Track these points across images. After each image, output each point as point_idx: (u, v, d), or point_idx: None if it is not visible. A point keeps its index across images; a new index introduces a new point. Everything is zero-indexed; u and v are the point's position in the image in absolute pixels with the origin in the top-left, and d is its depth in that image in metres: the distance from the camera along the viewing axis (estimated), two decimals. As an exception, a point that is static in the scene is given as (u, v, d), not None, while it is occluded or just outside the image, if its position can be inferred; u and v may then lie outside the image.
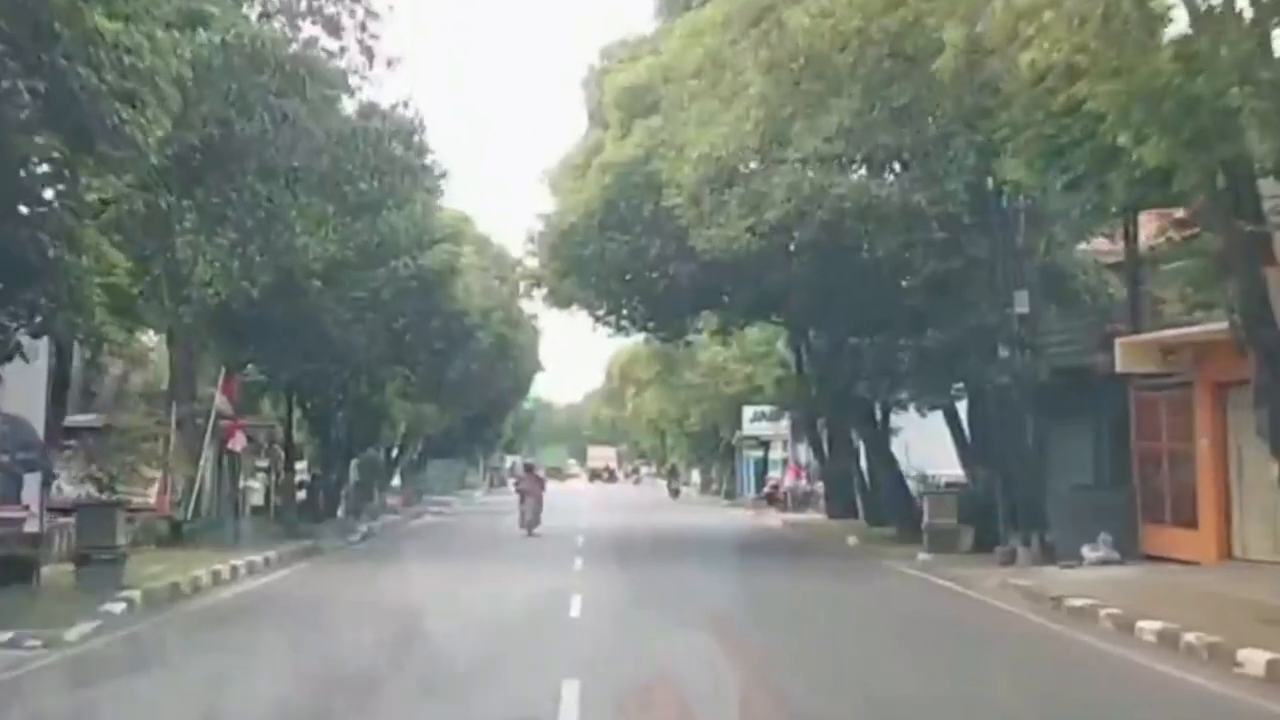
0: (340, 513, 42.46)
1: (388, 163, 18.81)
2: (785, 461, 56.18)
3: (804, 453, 55.29)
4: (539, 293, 35.86)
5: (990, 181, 24.25)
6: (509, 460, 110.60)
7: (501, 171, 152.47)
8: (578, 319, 37.23)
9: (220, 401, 28.51)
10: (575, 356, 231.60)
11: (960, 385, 26.09)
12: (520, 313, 56.45)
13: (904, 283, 24.77)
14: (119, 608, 17.18)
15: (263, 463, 40.65)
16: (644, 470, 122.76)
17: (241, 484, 35.11)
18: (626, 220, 28.91)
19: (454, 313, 34.26)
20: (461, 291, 34.91)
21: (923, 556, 25.21)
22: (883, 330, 25.46)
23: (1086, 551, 23.36)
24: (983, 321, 24.68)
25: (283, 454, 37.36)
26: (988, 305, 24.80)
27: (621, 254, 28.94)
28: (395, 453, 54.21)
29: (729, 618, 16.67)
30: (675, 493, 77.16)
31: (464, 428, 63.94)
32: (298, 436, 44.13)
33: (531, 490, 36.17)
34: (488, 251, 50.66)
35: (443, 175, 19.72)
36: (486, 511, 54.73)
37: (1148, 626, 14.93)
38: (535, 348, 62.72)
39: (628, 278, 31.21)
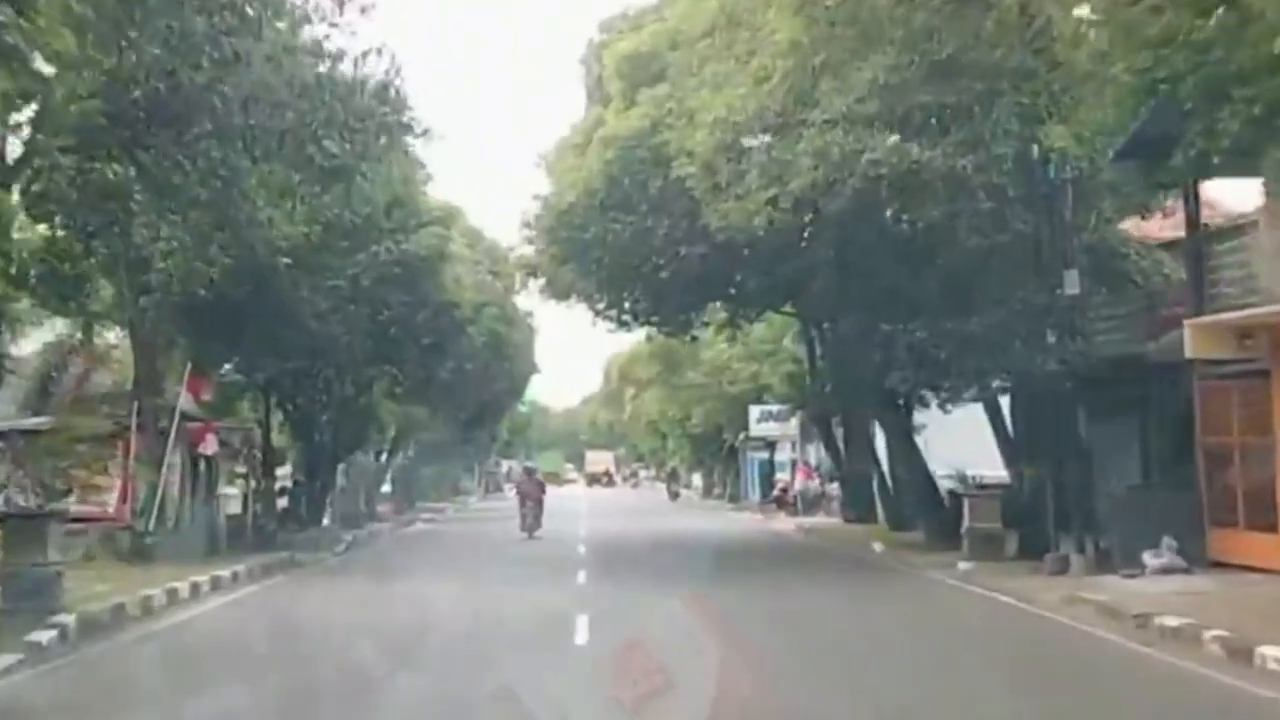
0: (326, 521, 39.91)
1: (359, 119, 16.28)
2: (794, 463, 53.68)
3: (813, 453, 52.91)
4: (535, 283, 33.31)
5: (1035, 149, 21.86)
6: (505, 465, 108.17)
7: (494, 165, 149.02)
8: (576, 314, 34.80)
9: (185, 401, 25.98)
10: (572, 359, 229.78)
11: (1000, 376, 23.48)
12: (515, 310, 53.97)
13: (942, 261, 22.19)
14: (47, 636, 14.65)
15: (242, 469, 38.27)
16: (643, 474, 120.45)
17: (217, 491, 32.56)
18: (631, 199, 26.35)
19: (443, 305, 31.67)
20: (451, 282, 32.29)
21: (963, 565, 22.73)
22: (918, 315, 22.89)
23: (1148, 558, 20.89)
24: (1029, 304, 22.18)
25: (261, 459, 34.77)
26: (1034, 286, 22.31)
27: (625, 237, 26.35)
28: (385, 457, 51.57)
29: (760, 647, 14.24)
30: (675, 496, 75.56)
31: (457, 431, 61.40)
32: (279, 440, 41.69)
33: (532, 494, 36.21)
34: (480, 245, 48.21)
35: (424, 133, 17.21)
36: (481, 518, 52.23)
37: (1270, 653, 12.42)
38: (531, 347, 60.15)
39: (634, 265, 28.66)
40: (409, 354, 33.64)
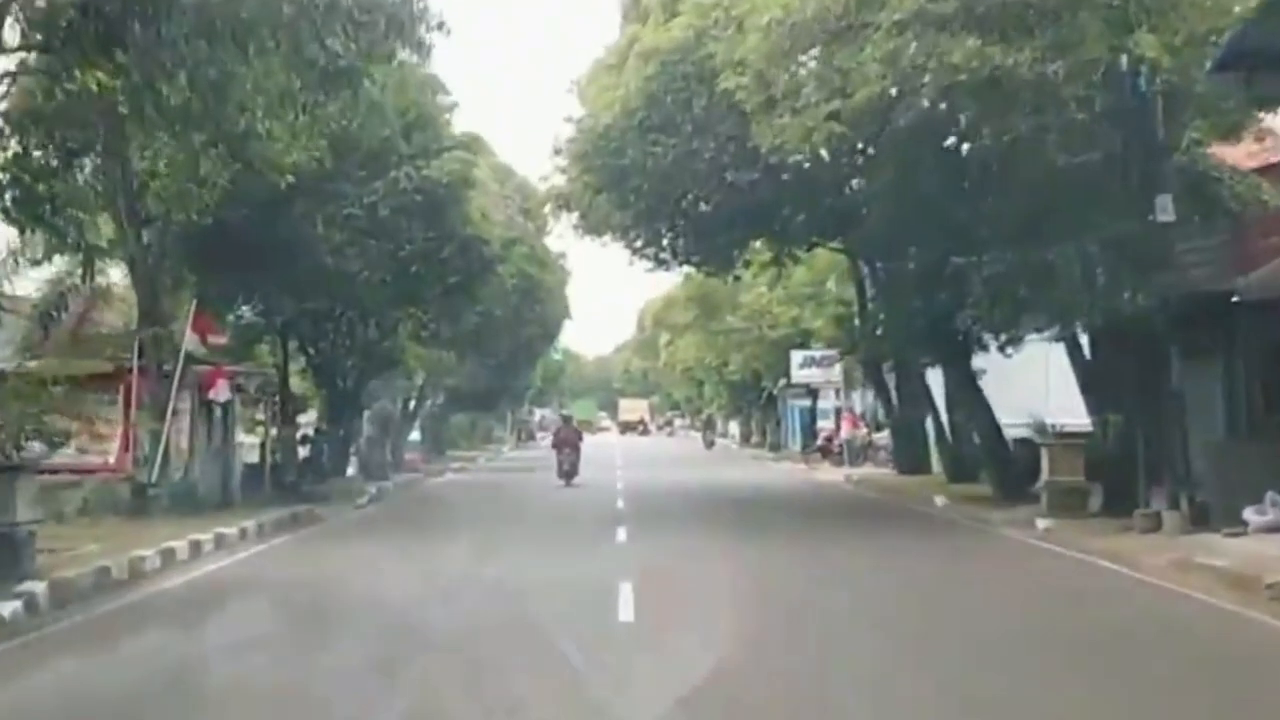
0: (351, 471, 38.06)
1: (365, 9, 14.09)
2: (838, 410, 51.38)
3: (858, 401, 50.75)
4: (568, 218, 31.03)
5: (1124, 60, 19.50)
6: (537, 413, 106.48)
7: (524, 100, 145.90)
8: (610, 254, 33.01)
9: (191, 342, 23.96)
10: (605, 306, 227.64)
11: (1084, 313, 21.15)
12: (547, 251, 51.81)
13: (1021, 185, 19.87)
14: (11, 608, 12.69)
15: (262, 416, 36.47)
16: (678, 422, 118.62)
17: (233, 440, 30.66)
18: (673, 119, 23.96)
19: (470, 240, 29.47)
20: (478, 215, 30.04)
21: (1043, 522, 20.57)
22: (989, 247, 20.60)
23: (1251, 515, 18.70)
24: (1119, 233, 19.86)
25: (279, 405, 32.85)
26: (1123, 213, 19.96)
27: (667, 162, 24.01)
28: (413, 405, 49.56)
29: (837, 621, 12.16)
30: (710, 444, 74.49)
31: (489, 378, 59.29)
32: (301, 387, 39.79)
33: (569, 441, 36.97)
34: (510, 182, 46.02)
35: (441, 27, 14.94)
36: (514, 468, 50.33)
37: None
38: (563, 291, 57.96)
39: (676, 196, 26.40)
40: (433, 294, 31.46)
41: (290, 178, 18.43)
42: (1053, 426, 23.99)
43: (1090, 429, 24.17)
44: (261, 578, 16.74)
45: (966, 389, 27.47)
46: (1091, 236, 19.76)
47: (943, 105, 17.94)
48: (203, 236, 23.87)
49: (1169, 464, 19.89)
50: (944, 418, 32.56)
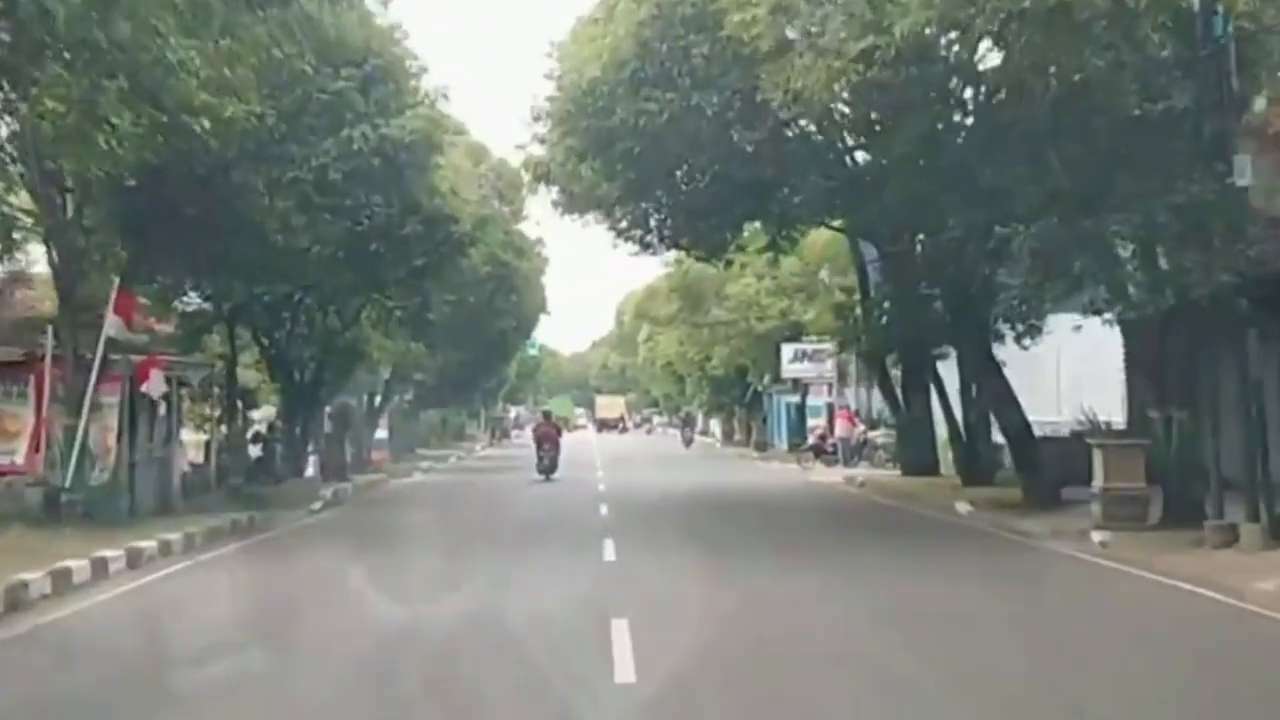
0: (310, 471, 34.98)
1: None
2: (830, 407, 48.54)
3: (851, 397, 47.89)
4: (547, 193, 28.04)
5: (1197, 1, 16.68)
6: (512, 411, 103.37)
7: (500, 84, 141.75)
8: (590, 243, 31.09)
9: (115, 326, 20.85)
10: (581, 302, 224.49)
11: (1150, 291, 18.19)
12: (523, 237, 48.88)
13: (1079, 142, 16.96)
14: None
15: (213, 411, 33.52)
16: (656, 420, 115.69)
17: (174, 439, 27.62)
18: (670, 71, 20.96)
19: (437, 217, 26.43)
20: (447, 189, 26.94)
21: (1099, 535, 17.72)
22: (1041, 215, 17.67)
23: (1345, 529, 16.06)
24: (1190, 198, 16.97)
25: (226, 400, 29.85)
26: (1196, 174, 17.07)
27: (662, 121, 20.96)
28: (378, 400, 46.44)
29: (907, 685, 9.21)
30: (689, 441, 72.04)
31: (461, 373, 56.24)
32: (257, 380, 36.74)
33: (549, 438, 37.35)
34: (484, 162, 43.03)
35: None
36: (487, 468, 47.27)
37: None
38: (540, 282, 54.96)
39: (670, 167, 23.46)
40: (397, 276, 28.42)
41: (207, 123, 15.31)
42: (1106, 423, 21.13)
43: (1124, 428, 21.48)
44: (166, 609, 13.69)
45: (990, 381, 24.57)
46: (1160, 202, 16.83)
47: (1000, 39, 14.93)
48: (130, 205, 20.84)
49: (1246, 467, 17.09)
50: (957, 414, 29.69)
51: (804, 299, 53.00)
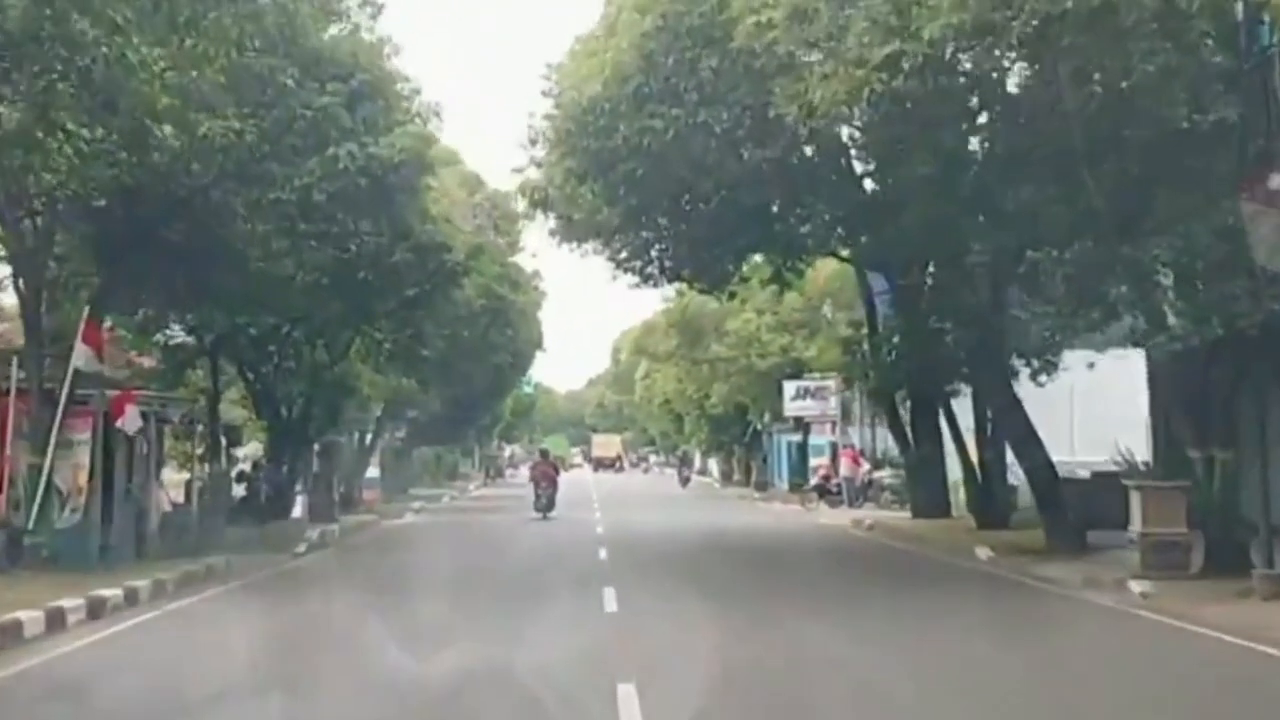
0: (298, 512, 33.62)
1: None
2: (834, 446, 47.24)
3: (855, 436, 46.63)
4: (544, 222, 26.85)
5: (1240, 7, 15.56)
6: (507, 449, 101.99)
7: (495, 114, 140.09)
8: (587, 279, 28.75)
9: (81, 356, 19.58)
10: (577, 340, 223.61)
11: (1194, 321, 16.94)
12: (519, 270, 47.68)
13: (1116, 157, 15.78)
14: None
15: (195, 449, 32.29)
16: (653, 459, 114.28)
17: (154, 478, 26.33)
18: (676, 85, 19.78)
19: (428, 244, 25.20)
20: (437, 211, 25.71)
21: (1139, 585, 16.41)
22: (1072, 241, 16.47)
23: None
24: (1234, 219, 15.78)
25: (209, 438, 28.57)
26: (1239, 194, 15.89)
27: (667, 139, 19.74)
28: (369, 438, 45.09)
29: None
30: (686, 480, 71.06)
31: (455, 411, 54.89)
32: (241, 416, 35.47)
33: (546, 476, 37.57)
34: (479, 193, 41.88)
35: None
36: (481, 508, 45.92)
37: None
38: (536, 315, 53.72)
39: (675, 194, 22.32)
40: (387, 307, 27.17)
41: (169, 129, 14.07)
42: (1145, 463, 19.88)
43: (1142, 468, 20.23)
44: (120, 668, 12.37)
45: (1011, 418, 23.31)
46: (1202, 225, 15.66)
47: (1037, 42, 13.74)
48: (102, 229, 19.68)
49: (1295, 512, 15.88)
50: (970, 453, 28.44)
51: (806, 335, 51.86)
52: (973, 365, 25.17)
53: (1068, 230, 16.50)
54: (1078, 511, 22.35)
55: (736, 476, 70.67)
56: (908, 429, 32.79)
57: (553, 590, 17.51)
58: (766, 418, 60.56)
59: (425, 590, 17.70)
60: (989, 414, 27.67)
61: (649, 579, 19.16)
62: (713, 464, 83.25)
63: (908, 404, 32.95)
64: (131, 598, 16.45)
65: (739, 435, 66.75)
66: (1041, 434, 24.42)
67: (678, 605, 15.86)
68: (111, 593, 16.10)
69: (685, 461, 79.72)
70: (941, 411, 29.43)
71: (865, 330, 33.20)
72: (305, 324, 30.41)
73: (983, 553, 21.93)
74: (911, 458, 32.38)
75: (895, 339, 30.59)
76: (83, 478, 21.10)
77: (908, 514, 34.02)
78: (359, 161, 20.09)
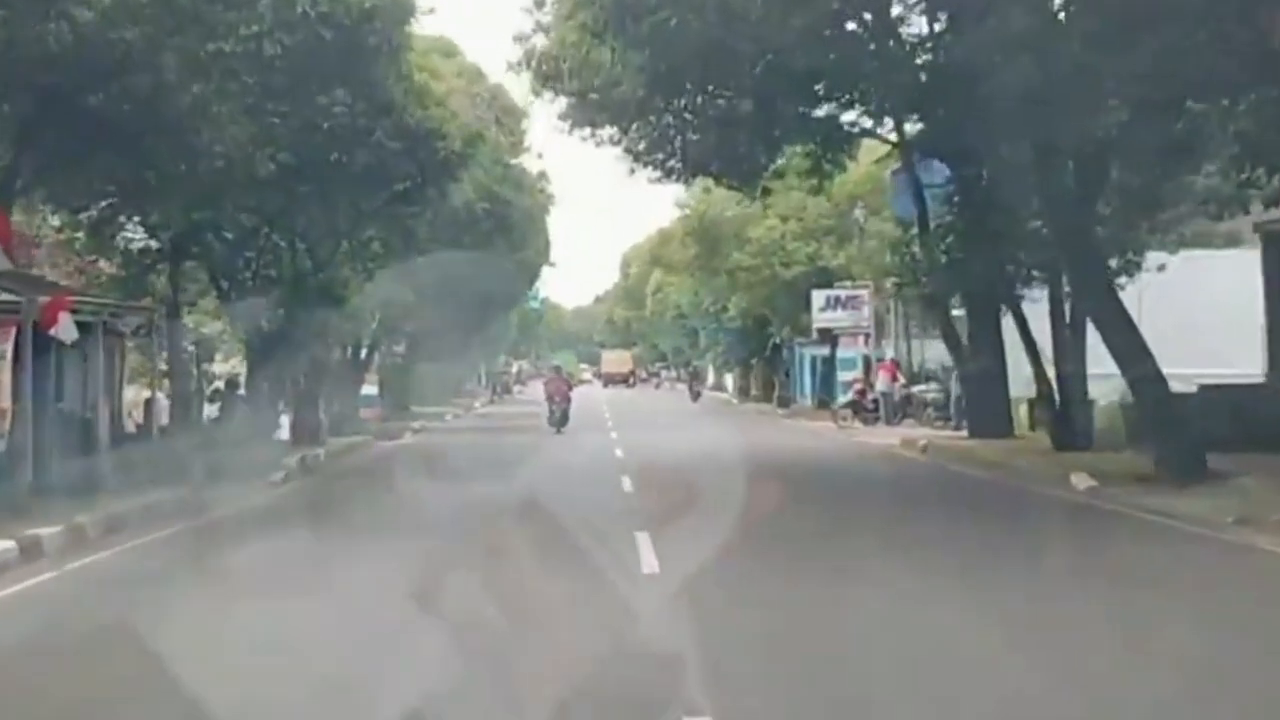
0: (284, 434, 30.20)
1: None
2: (868, 359, 43.72)
3: (889, 349, 43.10)
4: (552, 105, 23.15)
5: None
6: (515, 366, 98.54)
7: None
8: (599, 173, 25.17)
9: (-10, 255, 16.03)
10: (584, 255, 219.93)
11: None
12: (524, 173, 43.89)
13: None
14: None
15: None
16: (664, 374, 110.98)
17: (108, 397, 22.95)
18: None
19: (418, 131, 21.43)
20: (428, 90, 21.82)
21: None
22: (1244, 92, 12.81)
23: None
24: None
25: (166, 351, 25.13)
26: None
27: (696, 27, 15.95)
28: (364, 354, 41.41)
29: None
30: (697, 396, 68.73)
31: (458, 325, 51.04)
32: (214, 330, 32.09)
33: (559, 391, 37.94)
34: (480, 84, 38.06)
35: None
36: (487, 427, 42.53)
37: None
38: (543, 223, 49.85)
39: (707, 55, 18.56)
40: (373, 204, 23.52)
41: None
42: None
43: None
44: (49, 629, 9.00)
45: (1112, 321, 19.53)
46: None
47: None
48: (12, 104, 16.03)
49: None
50: (1049, 366, 24.93)
51: (833, 243, 48.33)
52: (1062, 261, 21.62)
53: (1239, 78, 12.75)
54: (1201, 434, 18.90)
55: (754, 392, 67.26)
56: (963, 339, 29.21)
57: (571, 539, 13.95)
58: (786, 331, 57.09)
59: (412, 539, 14.23)
60: (1067, 320, 24.14)
61: (685, 518, 15.57)
62: (728, 379, 79.84)
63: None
64: (77, 537, 13.19)
65: (759, 349, 63.20)
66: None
67: (731, 560, 12.33)
68: (49, 531, 12.88)
69: (696, 376, 77.09)
70: (1012, 317, 25.72)
71: (915, 230, 29.41)
72: (283, 225, 26.89)
73: (1080, 481, 18.36)
74: (968, 371, 28.73)
75: (949, 238, 27.13)
76: (4, 398, 17.74)
77: (958, 433, 30.67)
78: (320, 7, 16.30)
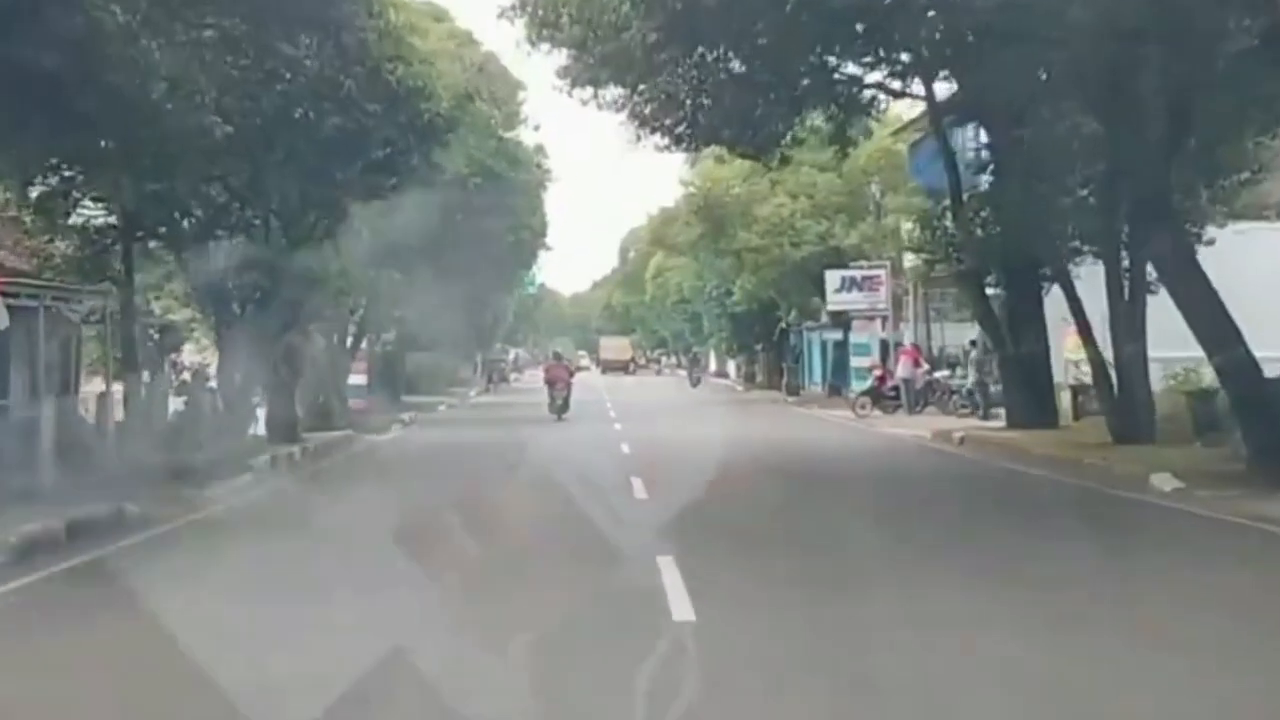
0: (259, 428, 27.64)
1: None
2: (885, 344, 41.25)
3: (908, 333, 40.63)
4: (549, 54, 20.63)
5: None
6: (512, 353, 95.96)
7: None
8: (598, 151, 23.03)
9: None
10: (581, 243, 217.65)
11: None
12: (519, 146, 41.35)
13: None
14: None
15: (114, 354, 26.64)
16: (664, 361, 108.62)
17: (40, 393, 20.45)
18: None
19: (400, 90, 18.90)
20: (400, 21, 19.30)
21: None
22: None
23: None
24: None
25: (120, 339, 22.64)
26: None
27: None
28: (350, 342, 38.76)
29: None
30: (697, 382, 68.34)
31: (452, 310, 48.37)
32: (185, 314, 29.51)
33: (560, 377, 37.94)
34: (471, 52, 35.49)
35: None
36: (483, 419, 40.06)
37: None
38: (540, 197, 47.29)
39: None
40: (350, 173, 20.98)
41: None
42: None
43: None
44: None
45: (1195, 295, 17.02)
46: None
47: None
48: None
49: None
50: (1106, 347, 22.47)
51: (845, 221, 45.90)
52: (1134, 231, 19.19)
53: None
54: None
55: (760, 379, 64.84)
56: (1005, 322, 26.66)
57: (579, 565, 11.45)
58: (794, 314, 54.67)
59: (388, 565, 11.55)
60: (1126, 294, 21.66)
61: (716, 537, 13.11)
62: (731, 365, 77.41)
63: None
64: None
65: (764, 334, 60.78)
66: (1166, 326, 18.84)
67: (782, 594, 9.85)
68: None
69: (695, 362, 75.50)
70: (1064, 293, 23.21)
71: (947, 201, 26.84)
72: (255, 200, 24.40)
73: (1164, 482, 15.85)
74: (1008, 354, 26.18)
75: (984, 210, 24.77)
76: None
77: (987, 422, 28.30)
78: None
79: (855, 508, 15.77)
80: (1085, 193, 22.56)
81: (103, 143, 17.39)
